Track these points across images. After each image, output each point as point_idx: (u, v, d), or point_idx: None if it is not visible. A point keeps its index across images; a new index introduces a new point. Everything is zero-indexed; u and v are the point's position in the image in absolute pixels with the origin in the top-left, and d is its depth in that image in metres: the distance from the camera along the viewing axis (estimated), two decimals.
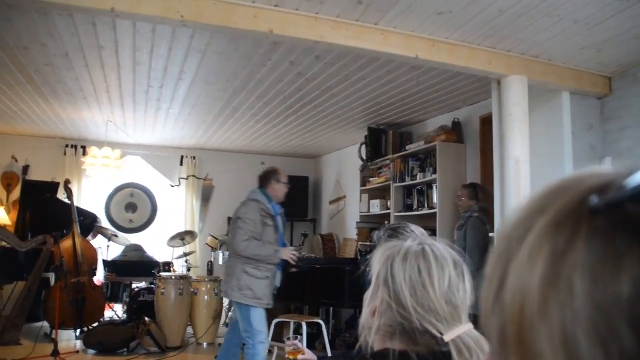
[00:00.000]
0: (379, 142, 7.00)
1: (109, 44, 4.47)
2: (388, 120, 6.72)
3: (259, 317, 4.41)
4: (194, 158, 9.21)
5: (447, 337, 1.15)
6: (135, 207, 8.66)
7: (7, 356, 5.45)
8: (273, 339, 5.43)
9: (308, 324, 5.42)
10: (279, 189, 4.79)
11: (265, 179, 4.79)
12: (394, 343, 1.19)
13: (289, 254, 4.58)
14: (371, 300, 1.25)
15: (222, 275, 4.68)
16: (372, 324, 1.23)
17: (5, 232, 6.72)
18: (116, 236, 7.72)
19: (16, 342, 6.13)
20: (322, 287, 5.75)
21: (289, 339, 1.97)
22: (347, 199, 8.39)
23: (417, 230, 2.27)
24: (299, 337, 2.04)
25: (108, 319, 6.88)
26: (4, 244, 6.64)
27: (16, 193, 8.46)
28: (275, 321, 5.48)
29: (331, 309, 6.49)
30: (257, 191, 4.72)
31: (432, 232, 5.51)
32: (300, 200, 9.16)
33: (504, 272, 0.44)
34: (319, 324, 5.54)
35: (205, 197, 9.24)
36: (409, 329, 1.17)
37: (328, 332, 5.71)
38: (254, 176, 9.16)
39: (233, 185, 9.32)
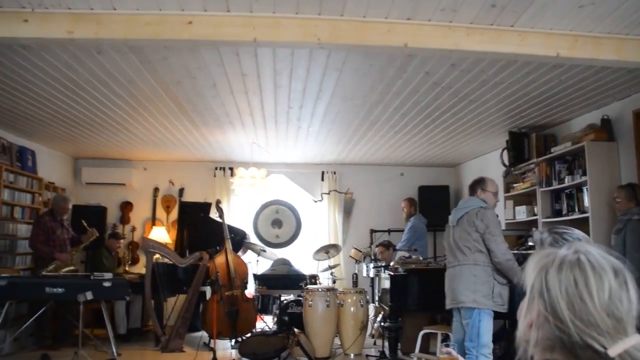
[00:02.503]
0: (521, 146, 6.72)
1: (251, 71, 4.75)
2: (529, 122, 6.45)
3: (489, 329, 4.39)
4: (335, 173, 9.43)
5: (612, 352, 1.07)
6: (280, 223, 9.03)
7: None
8: (420, 350, 5.40)
9: None
10: (486, 197, 4.69)
11: (472, 188, 4.78)
12: (554, 355, 1.16)
13: None
14: (527, 311, 1.21)
15: (464, 285, 4.49)
16: (529, 336, 1.19)
17: (167, 249, 7.33)
18: (264, 251, 8.09)
19: (180, 350, 6.64)
20: None
21: (447, 345, 1.96)
22: None
23: (583, 237, 2.16)
24: (453, 345, 2.02)
25: (260, 330, 7.20)
26: (166, 260, 7.24)
27: (174, 214, 9.22)
28: (422, 332, 5.45)
29: None
30: (476, 198, 4.67)
31: None
32: (441, 209, 9.03)
33: None
34: None
35: (347, 210, 9.42)
36: (568, 343, 1.11)
37: None
38: (393, 187, 9.37)
39: (373, 198, 9.43)
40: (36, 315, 6.28)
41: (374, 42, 3.60)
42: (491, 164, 7.89)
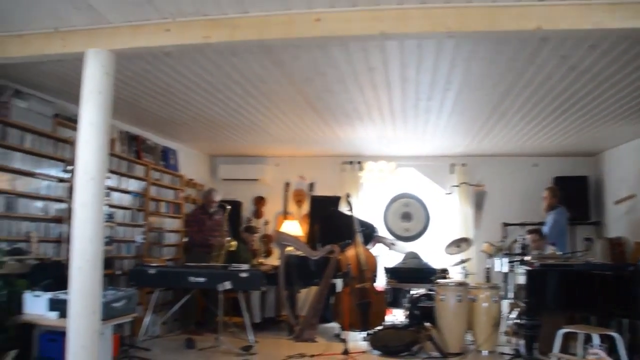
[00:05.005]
0: None
1: (378, 65, 4.77)
2: None
3: None
4: (464, 165, 9.22)
5: None
6: (410, 216, 8.98)
7: (306, 351, 6.06)
8: (561, 351, 5.14)
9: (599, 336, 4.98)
10: None
11: None
12: None
13: None
14: None
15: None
16: None
17: (300, 242, 7.57)
18: (394, 244, 8.10)
19: (312, 340, 6.83)
20: (613, 295, 5.22)
21: (591, 346, 1.87)
22: (637, 198, 7.55)
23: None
24: (602, 346, 1.91)
25: (390, 323, 7.22)
26: (299, 252, 7.48)
27: (305, 208, 9.48)
28: (561, 331, 5.18)
29: (624, 320, 5.86)
30: None
31: None
32: (580, 202, 8.53)
33: None
34: (610, 336, 5.04)
35: (478, 203, 9.16)
36: None
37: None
38: (527, 179, 9.01)
39: (506, 190, 9.10)
40: (181, 302, 6.77)
41: (504, 27, 3.48)
42: (636, 152, 7.33)
